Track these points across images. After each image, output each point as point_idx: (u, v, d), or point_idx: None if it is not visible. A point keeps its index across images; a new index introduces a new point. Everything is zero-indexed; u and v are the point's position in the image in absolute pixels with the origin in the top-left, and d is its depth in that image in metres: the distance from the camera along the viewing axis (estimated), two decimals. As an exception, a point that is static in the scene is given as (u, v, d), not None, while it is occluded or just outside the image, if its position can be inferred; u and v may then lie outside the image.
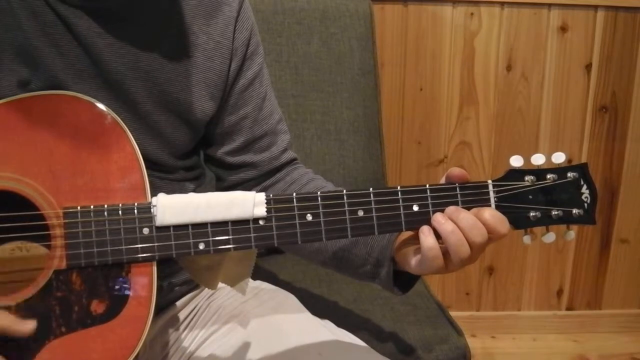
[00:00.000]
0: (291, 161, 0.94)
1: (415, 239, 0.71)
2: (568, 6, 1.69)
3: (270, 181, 0.92)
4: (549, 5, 1.69)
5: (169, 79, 0.80)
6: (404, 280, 0.81)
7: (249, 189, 0.74)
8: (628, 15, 1.71)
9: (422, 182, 0.72)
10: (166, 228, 0.68)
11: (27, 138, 0.68)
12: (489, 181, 0.73)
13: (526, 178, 0.73)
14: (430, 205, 0.71)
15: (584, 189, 0.73)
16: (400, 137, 1.77)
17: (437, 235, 0.70)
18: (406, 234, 0.77)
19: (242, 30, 0.86)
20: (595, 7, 1.69)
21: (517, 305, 1.96)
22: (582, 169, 0.74)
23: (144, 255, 0.67)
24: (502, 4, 1.68)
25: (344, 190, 0.71)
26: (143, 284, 0.67)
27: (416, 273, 0.75)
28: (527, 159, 0.73)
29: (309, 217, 0.70)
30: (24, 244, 0.70)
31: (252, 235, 0.69)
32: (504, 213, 0.71)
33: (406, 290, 0.82)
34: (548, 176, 0.73)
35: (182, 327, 0.91)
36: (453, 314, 1.20)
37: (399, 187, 0.71)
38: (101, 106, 0.70)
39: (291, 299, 0.94)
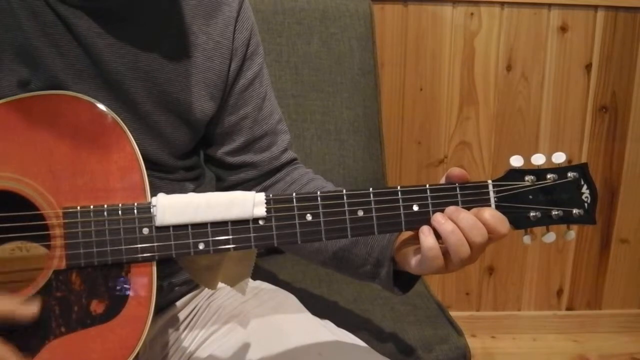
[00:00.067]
0: (291, 161, 0.94)
1: (415, 239, 0.71)
2: (568, 6, 1.69)
3: (271, 181, 0.92)
4: (549, 5, 1.69)
5: (169, 79, 0.80)
6: (404, 281, 0.81)
7: (249, 189, 0.74)
8: (628, 15, 1.71)
9: (422, 182, 0.72)
10: (166, 228, 0.68)
11: (27, 138, 0.68)
12: (489, 181, 0.72)
13: (526, 178, 0.72)
14: (430, 205, 0.71)
15: (584, 189, 0.73)
16: (400, 137, 1.77)
17: (437, 235, 0.70)
18: (406, 234, 0.77)
19: (242, 30, 0.86)
20: (595, 7, 1.69)
21: (517, 305, 1.96)
22: (583, 169, 0.74)
23: (144, 255, 0.67)
24: (502, 4, 1.68)
25: (344, 190, 0.70)
26: (143, 284, 0.67)
27: (416, 273, 0.75)
28: (527, 159, 0.73)
29: (309, 217, 0.70)
30: (24, 244, 0.70)
31: (251, 235, 0.69)
32: (504, 213, 0.71)
33: (406, 291, 0.82)
34: (548, 176, 0.73)
35: (182, 327, 0.91)
36: (453, 314, 1.20)
37: (398, 187, 0.71)
38: (101, 106, 0.70)
39: (291, 299, 0.94)
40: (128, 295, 0.67)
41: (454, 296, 1.94)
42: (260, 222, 0.69)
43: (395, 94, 1.73)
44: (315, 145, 1.39)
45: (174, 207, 0.68)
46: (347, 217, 0.70)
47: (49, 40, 0.74)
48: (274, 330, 0.85)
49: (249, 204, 0.69)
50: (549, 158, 0.73)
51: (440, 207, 0.71)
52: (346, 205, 0.70)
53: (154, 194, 0.69)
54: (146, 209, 0.68)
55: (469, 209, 0.71)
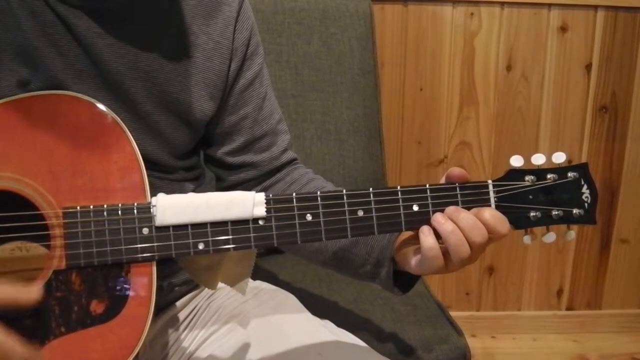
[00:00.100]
0: (291, 161, 0.94)
1: (416, 239, 0.71)
2: (568, 6, 1.69)
3: (271, 181, 0.92)
4: (549, 5, 1.69)
5: (169, 79, 0.80)
6: (404, 281, 0.80)
7: (249, 189, 0.74)
8: (628, 15, 1.71)
9: (422, 182, 0.72)
10: (166, 228, 0.68)
11: (27, 138, 0.68)
12: (489, 181, 0.72)
13: (526, 178, 0.72)
14: (430, 205, 0.71)
15: (585, 189, 0.73)
16: (400, 137, 1.77)
17: (437, 235, 0.70)
18: (406, 234, 0.77)
19: (242, 30, 0.86)
20: (595, 7, 1.69)
21: (517, 305, 1.96)
22: (583, 169, 0.74)
23: (144, 255, 0.67)
24: (502, 4, 1.68)
25: (344, 190, 0.70)
26: (143, 284, 0.67)
27: (416, 273, 0.75)
28: (527, 159, 0.73)
29: (309, 217, 0.69)
30: (24, 244, 0.70)
31: (251, 235, 0.69)
32: (504, 213, 0.71)
33: (406, 291, 0.82)
34: (548, 176, 0.72)
35: (182, 327, 0.91)
36: (453, 314, 1.20)
37: (398, 187, 0.71)
38: (101, 106, 0.70)
39: (291, 299, 0.94)
40: (128, 295, 0.67)
41: (454, 296, 1.94)
42: (260, 222, 0.69)
43: (395, 94, 1.73)
44: (315, 145, 1.39)
45: (174, 207, 0.68)
46: (347, 217, 0.70)
47: (49, 40, 0.73)
48: (274, 330, 0.85)
49: (248, 204, 0.69)
50: (549, 158, 0.73)
51: (440, 207, 0.71)
52: (346, 205, 0.70)
53: (153, 194, 0.69)
54: (146, 209, 0.68)
55: (469, 209, 0.71)
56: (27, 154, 0.67)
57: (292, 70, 1.39)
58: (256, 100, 0.90)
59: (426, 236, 0.69)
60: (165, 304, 0.90)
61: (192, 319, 0.91)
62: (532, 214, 0.72)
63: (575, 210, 0.73)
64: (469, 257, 0.69)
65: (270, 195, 0.70)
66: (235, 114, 0.88)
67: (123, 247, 0.67)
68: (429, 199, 0.71)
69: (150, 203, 0.68)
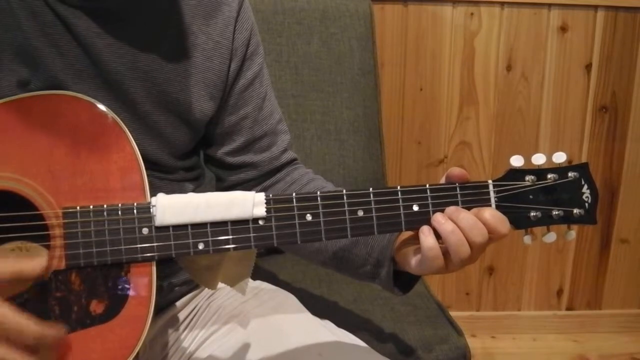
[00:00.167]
0: (291, 161, 0.94)
1: (416, 239, 0.71)
2: (568, 6, 1.69)
3: (271, 181, 0.92)
4: (549, 5, 1.69)
5: (168, 79, 0.80)
6: (404, 281, 0.80)
7: (249, 189, 0.74)
8: (628, 15, 1.71)
9: (422, 182, 0.72)
10: (165, 228, 0.68)
11: (27, 138, 0.68)
12: (489, 181, 0.72)
13: (527, 178, 0.72)
14: (430, 205, 0.71)
15: (585, 189, 0.73)
16: (400, 137, 1.77)
17: (437, 235, 0.70)
18: (406, 234, 0.77)
19: (242, 30, 0.86)
20: (595, 7, 1.69)
21: (517, 305, 1.96)
22: (583, 169, 0.74)
23: (144, 255, 0.67)
24: (502, 4, 1.68)
25: (344, 190, 0.70)
26: (142, 284, 0.67)
27: (416, 273, 0.75)
28: (527, 159, 0.73)
29: (309, 217, 0.69)
30: (24, 244, 0.70)
31: (251, 235, 0.69)
32: (504, 213, 0.71)
33: (406, 291, 0.81)
34: (549, 176, 0.72)
35: (182, 327, 0.90)
36: (453, 314, 1.20)
37: (398, 187, 0.71)
38: (101, 106, 0.70)
39: (291, 299, 0.94)
40: (128, 295, 0.67)
41: (454, 296, 1.94)
42: (260, 222, 0.69)
43: (395, 94, 1.73)
44: (315, 145, 1.39)
45: (174, 207, 0.68)
46: (347, 217, 0.70)
47: (49, 40, 0.73)
48: (274, 331, 0.85)
49: (248, 204, 0.69)
50: (549, 158, 0.73)
51: (440, 207, 0.71)
52: (346, 205, 0.70)
53: (153, 194, 0.69)
54: (146, 209, 0.68)
55: (469, 209, 0.70)
56: (27, 154, 0.67)
57: (292, 70, 1.39)
58: (256, 100, 0.90)
59: (426, 236, 0.69)
60: (165, 304, 0.90)
61: (192, 319, 0.91)
62: (532, 213, 0.72)
63: (575, 210, 0.73)
64: (469, 257, 0.69)
65: (270, 195, 0.69)
66: (235, 114, 0.88)
67: (123, 247, 0.67)
68: (429, 199, 0.71)
69: (150, 203, 0.68)
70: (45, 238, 0.66)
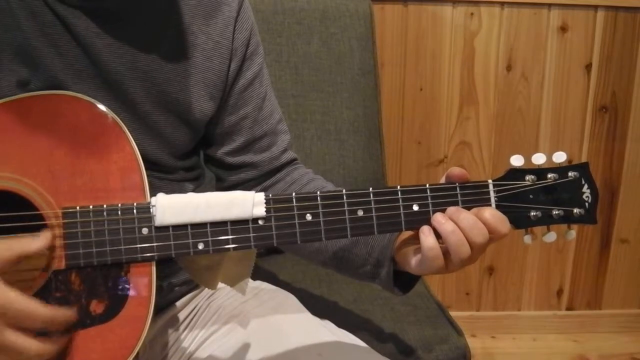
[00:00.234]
0: (291, 161, 0.94)
1: (416, 239, 0.71)
2: (568, 6, 1.69)
3: (271, 181, 0.92)
4: (549, 5, 1.68)
5: (168, 79, 0.80)
6: (404, 281, 0.80)
7: (249, 189, 0.74)
8: (628, 15, 1.71)
9: (422, 182, 0.72)
10: (165, 228, 0.67)
11: (27, 138, 0.68)
12: (490, 181, 0.72)
13: (527, 177, 0.72)
14: (430, 205, 0.71)
15: (585, 189, 0.73)
16: (400, 137, 1.77)
17: (437, 235, 0.69)
18: (406, 234, 0.77)
19: (242, 30, 0.86)
20: (595, 7, 1.69)
21: (517, 305, 1.96)
22: (583, 168, 0.73)
23: (143, 255, 0.67)
24: (502, 4, 1.68)
25: (344, 190, 0.70)
26: (142, 284, 0.67)
27: (416, 273, 0.75)
28: (527, 159, 0.73)
29: (309, 217, 0.69)
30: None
31: (251, 235, 0.69)
32: (504, 213, 0.71)
33: (406, 291, 0.81)
34: (549, 175, 0.72)
35: (182, 328, 0.90)
36: (453, 314, 1.20)
37: (398, 187, 0.71)
38: (101, 106, 0.70)
39: (291, 299, 0.94)
40: (128, 295, 0.67)
41: (454, 296, 1.94)
42: (260, 222, 0.69)
43: (395, 94, 1.73)
44: (315, 145, 1.39)
45: (174, 207, 0.68)
46: (347, 217, 0.70)
47: (48, 40, 0.73)
48: (274, 331, 0.85)
49: (248, 203, 0.69)
50: (549, 157, 0.73)
51: (440, 207, 0.71)
52: (346, 205, 0.70)
53: (153, 194, 0.69)
54: (145, 209, 0.68)
55: (469, 208, 0.70)
56: (27, 154, 0.67)
57: (292, 70, 1.39)
58: (256, 100, 0.89)
59: (426, 236, 0.69)
60: (165, 304, 0.90)
61: (192, 319, 0.91)
62: (532, 213, 0.72)
63: (575, 210, 0.73)
64: (470, 257, 0.69)
65: (270, 195, 0.69)
66: (235, 114, 0.88)
67: (123, 247, 0.67)
68: (429, 198, 0.71)
69: (149, 203, 0.68)
70: (45, 238, 0.66)
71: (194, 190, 0.89)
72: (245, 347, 0.83)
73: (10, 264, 0.61)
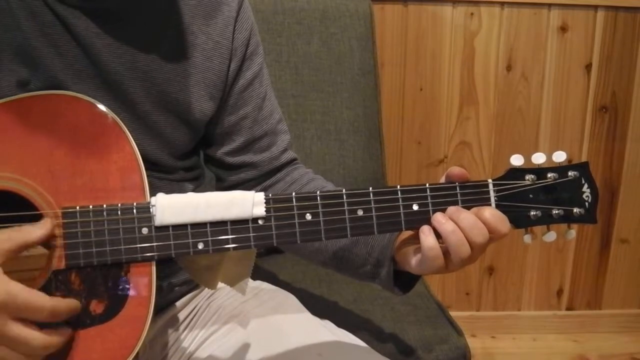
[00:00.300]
0: (291, 161, 0.94)
1: (416, 239, 0.71)
2: (568, 6, 1.69)
3: (271, 181, 0.92)
4: (549, 5, 1.69)
5: (168, 79, 0.80)
6: (404, 281, 0.80)
7: (249, 189, 0.74)
8: (628, 15, 1.71)
9: (422, 182, 0.72)
10: (165, 228, 0.67)
11: (27, 138, 0.68)
12: (489, 180, 0.72)
13: (527, 177, 0.72)
14: (430, 205, 0.71)
15: (585, 188, 0.73)
16: (400, 137, 1.77)
17: (437, 235, 0.69)
18: (406, 234, 0.77)
19: (242, 30, 0.86)
20: (595, 7, 1.69)
21: (517, 305, 1.96)
22: (583, 168, 0.73)
23: (143, 255, 0.67)
24: (502, 4, 1.68)
25: (344, 190, 0.70)
26: (142, 283, 0.67)
27: (416, 273, 0.75)
28: (527, 158, 0.73)
29: (309, 217, 0.69)
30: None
31: (251, 235, 0.69)
32: (504, 212, 0.71)
33: (407, 291, 0.81)
34: (549, 175, 0.72)
35: (181, 328, 0.90)
36: (453, 314, 1.20)
37: (398, 187, 0.71)
38: (101, 106, 0.70)
39: (291, 299, 0.94)
40: (127, 295, 0.67)
41: (454, 296, 1.94)
42: (260, 222, 0.69)
43: (395, 94, 1.73)
44: (315, 145, 1.39)
45: (174, 207, 0.68)
46: (346, 216, 0.70)
47: (48, 40, 0.73)
48: (274, 330, 0.85)
49: (248, 203, 0.69)
50: (549, 157, 0.73)
51: (440, 207, 0.71)
52: (346, 205, 0.70)
53: (153, 194, 0.69)
54: (145, 209, 0.68)
55: (469, 208, 0.70)
56: (27, 154, 0.67)
57: (292, 70, 1.39)
58: (256, 100, 0.89)
59: (426, 236, 0.69)
60: (165, 304, 0.90)
61: (192, 319, 0.91)
62: (532, 213, 0.72)
63: (575, 209, 0.73)
64: (470, 257, 0.69)
65: (270, 195, 0.69)
66: (235, 114, 0.88)
67: (122, 247, 0.66)
68: (429, 198, 0.71)
69: (149, 203, 0.68)
70: (45, 238, 0.66)
71: (194, 190, 0.89)
72: (245, 347, 0.83)
73: (11, 255, 0.61)
